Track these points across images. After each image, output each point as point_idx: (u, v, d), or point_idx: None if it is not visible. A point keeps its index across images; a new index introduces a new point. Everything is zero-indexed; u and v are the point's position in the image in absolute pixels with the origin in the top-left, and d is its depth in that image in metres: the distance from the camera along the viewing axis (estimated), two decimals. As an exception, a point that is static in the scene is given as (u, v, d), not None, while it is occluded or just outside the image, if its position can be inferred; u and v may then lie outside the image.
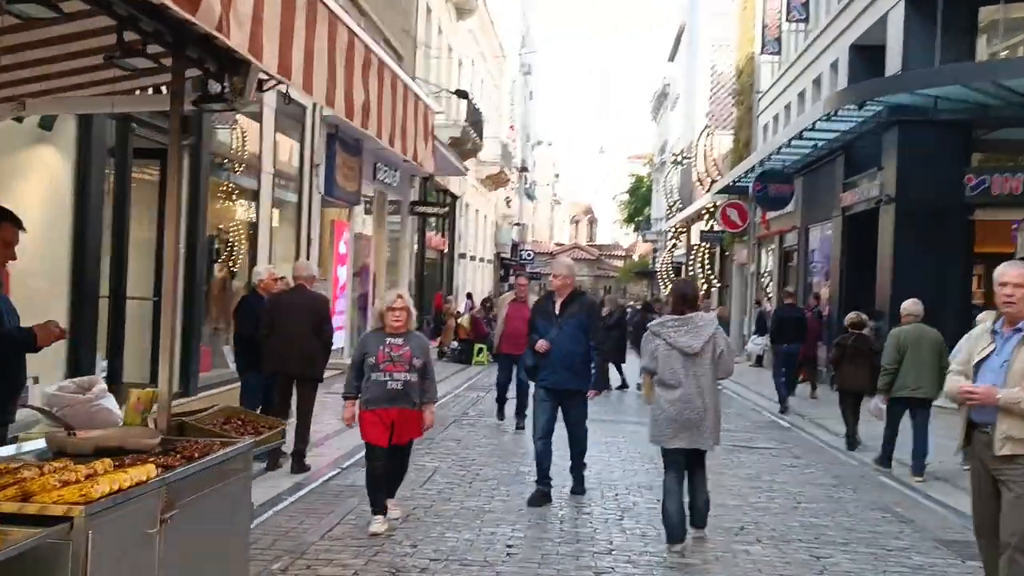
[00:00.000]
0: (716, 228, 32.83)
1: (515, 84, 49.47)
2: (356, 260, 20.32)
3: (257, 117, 13.30)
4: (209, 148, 11.44)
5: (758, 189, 23.31)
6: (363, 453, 7.05)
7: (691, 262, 38.69)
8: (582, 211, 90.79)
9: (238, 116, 13.25)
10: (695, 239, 39.13)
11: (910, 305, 9.77)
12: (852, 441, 11.15)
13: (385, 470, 6.64)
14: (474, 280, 37.15)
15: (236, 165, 12.98)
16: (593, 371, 7.91)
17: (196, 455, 3.50)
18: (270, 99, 13.43)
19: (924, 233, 16.68)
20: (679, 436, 6.30)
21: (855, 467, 10.18)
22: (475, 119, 28.99)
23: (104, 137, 8.98)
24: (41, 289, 8.67)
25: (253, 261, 13.24)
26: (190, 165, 11.07)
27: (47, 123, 8.52)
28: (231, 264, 13.07)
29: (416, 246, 25.57)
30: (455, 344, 23.80)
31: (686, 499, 6.53)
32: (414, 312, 6.68)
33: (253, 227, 13.46)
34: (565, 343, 7.64)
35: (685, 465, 6.47)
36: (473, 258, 37.31)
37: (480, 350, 22.70)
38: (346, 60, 3.20)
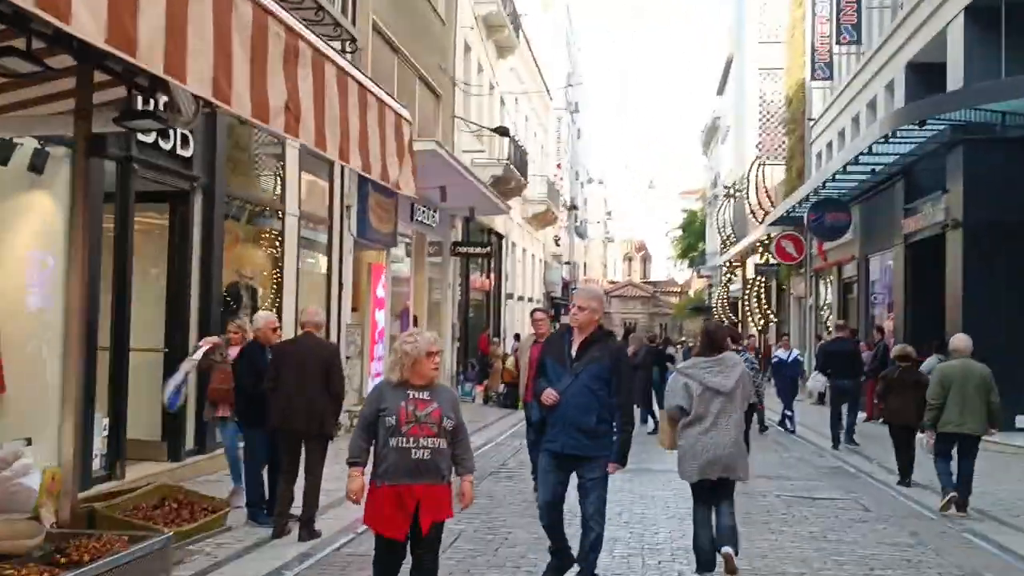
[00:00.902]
0: (771, 261, 31.71)
1: (561, 122, 48.90)
2: (396, 303, 19.69)
3: (280, 157, 12.75)
4: (224, 189, 10.86)
5: (813, 219, 22.23)
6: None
7: (747, 297, 37.45)
8: (635, 248, 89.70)
9: (269, 158, 12.77)
10: (750, 273, 37.92)
11: (957, 340, 9.70)
12: (904, 475, 11.05)
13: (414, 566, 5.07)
14: (523, 321, 36.27)
15: (257, 208, 12.41)
16: (616, 436, 6.09)
17: (86, 558, 2.73)
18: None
19: (995, 259, 15.52)
20: (710, 469, 6.49)
21: (934, 522, 9.08)
22: (519, 157, 28.37)
23: (100, 180, 8.41)
24: (34, 342, 8.10)
25: (279, 308, 12.64)
26: (203, 207, 10.51)
27: (38, 166, 7.99)
28: (250, 312, 12.46)
29: (460, 287, 24.86)
30: (502, 388, 22.94)
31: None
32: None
33: (279, 272, 12.84)
34: (579, 397, 5.93)
35: (713, 497, 6.64)
36: (521, 298, 36.49)
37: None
38: (252, 43, 2.44)
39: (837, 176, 20.28)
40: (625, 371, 6.23)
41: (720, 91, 57.88)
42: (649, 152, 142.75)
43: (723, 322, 47.66)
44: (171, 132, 9.40)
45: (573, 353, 6.10)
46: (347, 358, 15.31)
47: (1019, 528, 8.65)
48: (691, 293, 75.11)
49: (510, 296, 33.07)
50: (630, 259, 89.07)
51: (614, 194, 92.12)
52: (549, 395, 6.01)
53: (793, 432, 16.74)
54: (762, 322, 34.82)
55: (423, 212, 19.59)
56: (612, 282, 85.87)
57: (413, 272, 20.29)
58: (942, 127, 15.74)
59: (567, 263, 54.87)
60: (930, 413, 9.24)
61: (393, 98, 4.11)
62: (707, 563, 6.56)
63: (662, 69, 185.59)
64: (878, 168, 19.24)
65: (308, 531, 7.57)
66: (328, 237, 14.64)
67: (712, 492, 6.59)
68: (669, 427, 6.74)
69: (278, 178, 12.78)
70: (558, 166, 46.42)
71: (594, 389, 5.97)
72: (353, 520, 8.21)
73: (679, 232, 73.83)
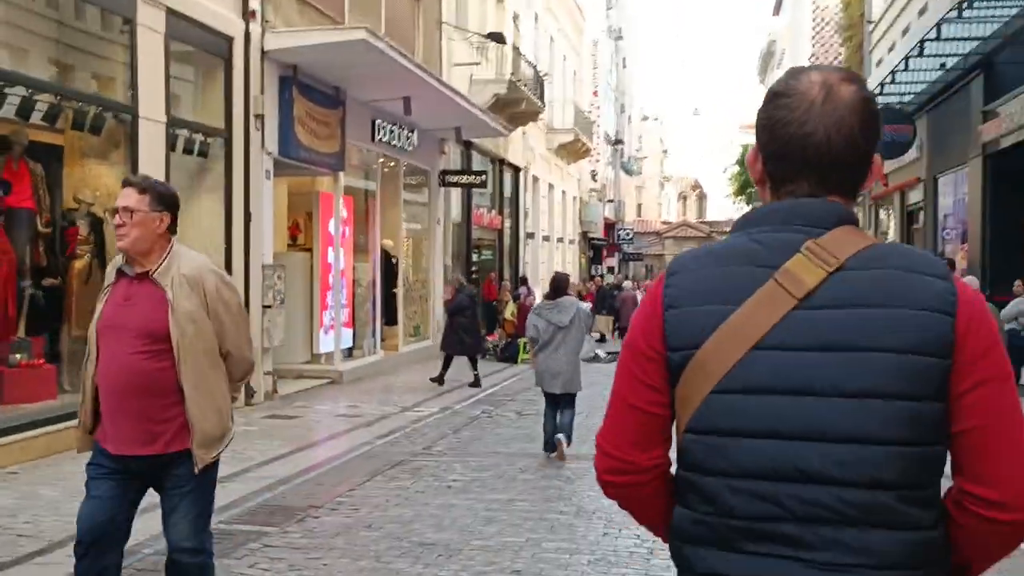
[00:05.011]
0: (826, 190, 27.80)
1: (598, 47, 44.86)
2: (366, 241, 16.62)
3: (129, 42, 9.55)
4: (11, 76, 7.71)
5: (870, 132, 18.39)
6: None
7: (801, 233, 33.49)
8: (690, 186, 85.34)
9: (111, 37, 9.64)
10: (804, 206, 33.92)
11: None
12: None
13: None
14: (550, 264, 32.92)
15: (94, 109, 9.26)
16: None
17: None
18: (153, 19, 9.68)
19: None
20: (554, 384, 8.67)
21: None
22: (534, 78, 24.82)
23: None
24: None
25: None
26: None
27: None
28: (95, 248, 9.42)
29: (458, 224, 21.59)
30: (499, 340, 19.75)
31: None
32: None
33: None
34: None
35: (557, 402, 8.79)
36: (547, 238, 33.09)
37: (526, 345, 18.57)
38: None
39: (898, 77, 16.52)
40: None
41: (776, 11, 53.25)
42: (705, 86, 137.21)
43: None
44: None
45: None
46: (265, 307, 12.25)
47: None
48: (749, 232, 70.80)
49: (531, 236, 29.64)
50: (685, 198, 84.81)
51: (670, 132, 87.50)
52: None
53: None
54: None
55: (389, 131, 16.25)
56: (666, 222, 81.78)
57: (381, 204, 17.05)
58: (1035, -7, 11.95)
59: (610, 201, 51.16)
60: None
61: None
62: (550, 445, 8.64)
63: None
64: (949, 62, 15.40)
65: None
66: (227, 154, 11.46)
67: (558, 399, 8.69)
68: (532, 351, 8.93)
69: (129, 69, 9.59)
70: (594, 93, 42.57)
71: None
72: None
73: (736, 168, 69.51)
